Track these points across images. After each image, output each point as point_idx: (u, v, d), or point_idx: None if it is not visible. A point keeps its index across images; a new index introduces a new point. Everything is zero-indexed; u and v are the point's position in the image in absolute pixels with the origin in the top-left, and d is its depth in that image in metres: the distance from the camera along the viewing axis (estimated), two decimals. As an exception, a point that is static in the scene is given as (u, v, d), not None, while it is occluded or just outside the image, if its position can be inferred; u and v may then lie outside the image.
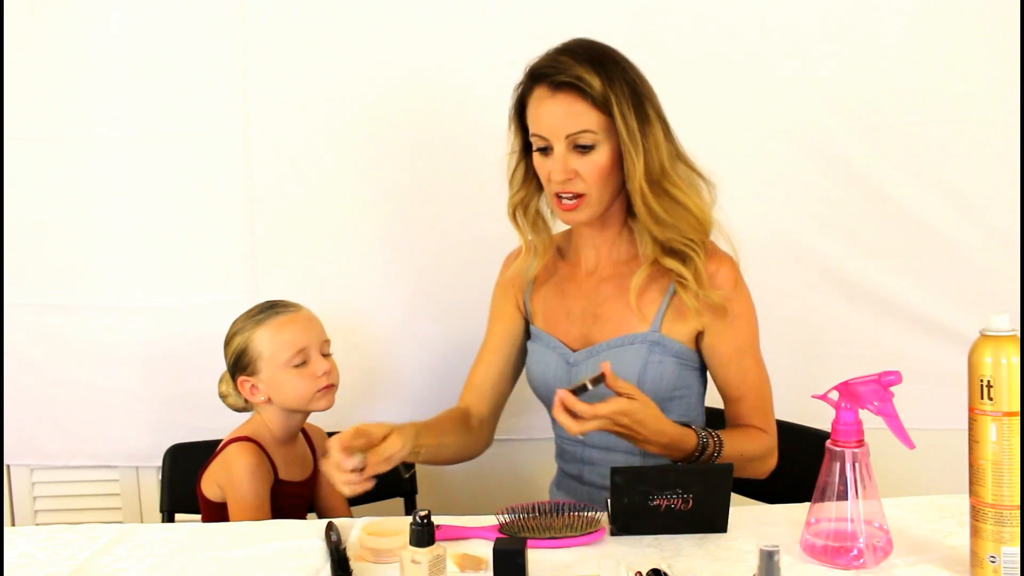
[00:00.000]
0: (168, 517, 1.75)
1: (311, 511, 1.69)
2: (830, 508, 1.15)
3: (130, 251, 2.06)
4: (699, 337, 1.47)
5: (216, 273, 2.06)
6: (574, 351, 1.50)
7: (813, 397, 1.19)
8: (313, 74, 2.00)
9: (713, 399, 1.53)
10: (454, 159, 2.01)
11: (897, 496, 1.33)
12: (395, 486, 1.81)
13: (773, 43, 1.96)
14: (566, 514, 1.27)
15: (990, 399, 1.06)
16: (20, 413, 2.09)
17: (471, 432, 1.55)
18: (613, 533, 1.27)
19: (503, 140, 1.49)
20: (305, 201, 2.04)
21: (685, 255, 1.41)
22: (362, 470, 1.24)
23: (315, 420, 1.71)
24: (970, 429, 1.08)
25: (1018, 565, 1.06)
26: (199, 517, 1.63)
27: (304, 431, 1.71)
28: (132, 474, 2.15)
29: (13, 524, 2.16)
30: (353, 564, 1.19)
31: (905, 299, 2.02)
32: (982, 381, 1.06)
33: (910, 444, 1.13)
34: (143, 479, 2.15)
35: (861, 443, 1.14)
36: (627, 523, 1.26)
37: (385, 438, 1.27)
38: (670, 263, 1.42)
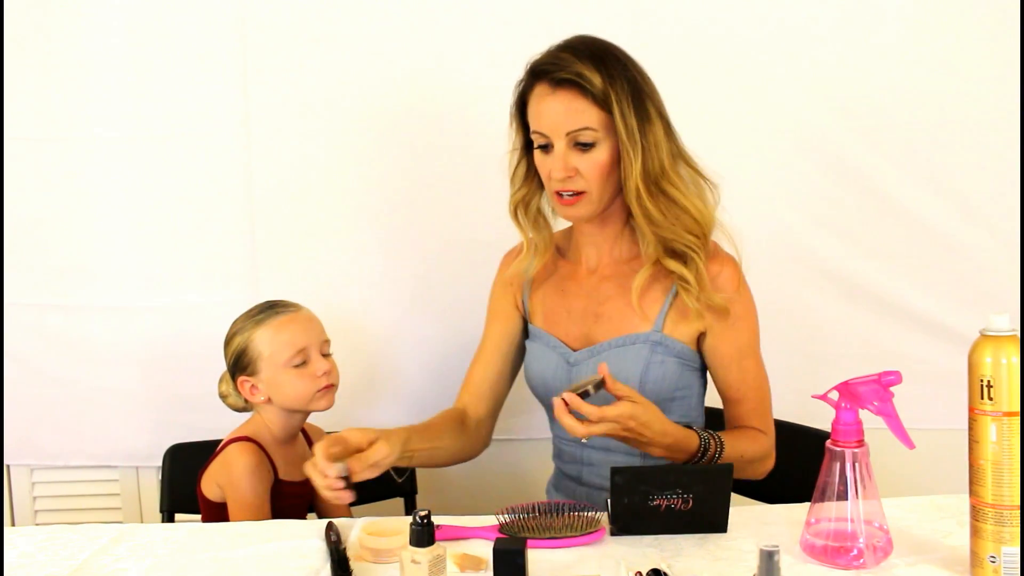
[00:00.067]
0: (168, 517, 1.75)
1: (311, 511, 1.69)
2: (830, 508, 1.15)
3: (130, 251, 2.06)
4: (701, 338, 1.47)
5: (216, 273, 2.06)
6: (574, 350, 1.50)
7: (813, 397, 1.19)
8: (313, 74, 2.00)
9: (712, 399, 1.53)
10: (454, 159, 2.01)
11: (897, 496, 1.33)
12: (395, 486, 1.81)
13: (773, 43, 1.96)
14: (566, 514, 1.27)
15: (990, 399, 1.06)
16: (20, 413, 2.09)
17: (467, 434, 1.54)
18: (613, 533, 1.27)
19: (503, 140, 1.49)
20: (305, 201, 2.04)
21: (686, 256, 1.41)
22: (347, 477, 1.24)
23: (315, 420, 1.71)
24: (970, 429, 1.08)
25: (1018, 565, 1.06)
26: (199, 517, 1.63)
27: (304, 431, 1.71)
28: (132, 474, 2.15)
29: (13, 524, 2.16)
30: (353, 564, 1.19)
31: (905, 299, 2.02)
32: (982, 381, 1.06)
33: (910, 444, 1.13)
34: (143, 479, 2.15)
35: (861, 443, 1.14)
36: (627, 523, 1.26)
37: (371, 444, 1.27)
38: (672, 264, 1.42)
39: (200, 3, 1.98)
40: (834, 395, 1.16)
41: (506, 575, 1.09)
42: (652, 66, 1.42)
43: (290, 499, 1.60)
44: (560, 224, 1.55)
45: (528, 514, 1.28)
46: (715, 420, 1.54)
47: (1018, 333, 1.06)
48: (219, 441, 1.64)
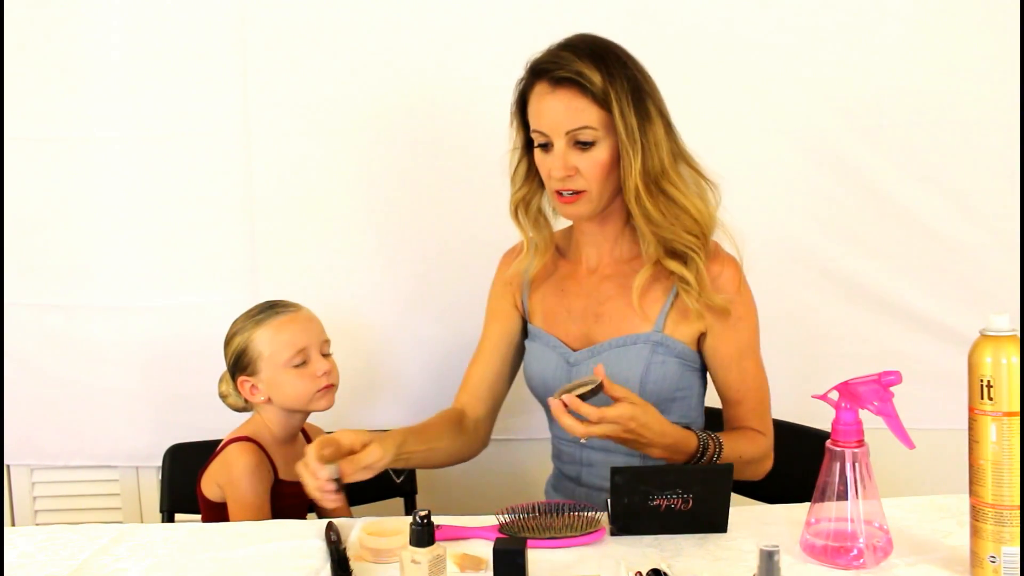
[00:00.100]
0: (168, 517, 1.75)
1: (311, 511, 1.69)
2: (830, 508, 1.15)
3: (130, 251, 2.06)
4: (701, 338, 1.47)
5: (216, 273, 2.05)
6: (574, 350, 1.50)
7: (813, 397, 1.19)
8: (313, 74, 2.00)
9: (712, 400, 1.53)
10: (454, 159, 2.01)
11: (897, 496, 1.33)
12: (395, 486, 1.81)
13: (773, 43, 1.96)
14: (566, 514, 1.27)
15: (990, 399, 1.06)
16: (20, 413, 2.09)
17: (465, 434, 1.54)
18: (613, 533, 1.27)
19: (503, 140, 1.49)
20: (305, 201, 2.04)
21: (686, 257, 1.41)
22: (338, 480, 1.24)
23: (315, 420, 1.71)
24: (970, 429, 1.08)
25: (1018, 565, 1.06)
26: (199, 517, 1.63)
27: (304, 431, 1.71)
28: (132, 474, 2.15)
29: (13, 524, 2.16)
30: (353, 564, 1.19)
31: (905, 299, 2.02)
32: (982, 381, 1.06)
33: (910, 444, 1.13)
34: (143, 479, 2.15)
35: (861, 443, 1.14)
36: (627, 523, 1.26)
37: (364, 446, 1.27)
38: (672, 265, 1.41)
39: (200, 3, 1.98)
40: (834, 395, 1.16)
41: (506, 575, 1.09)
42: (652, 66, 1.42)
43: (290, 499, 1.60)
44: (560, 223, 1.55)
45: (528, 514, 1.28)
46: (715, 420, 1.54)
47: (1018, 333, 1.06)
48: (219, 441, 1.64)
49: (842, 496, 1.14)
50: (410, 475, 1.83)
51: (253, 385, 1.61)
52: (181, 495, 1.72)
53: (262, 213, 2.03)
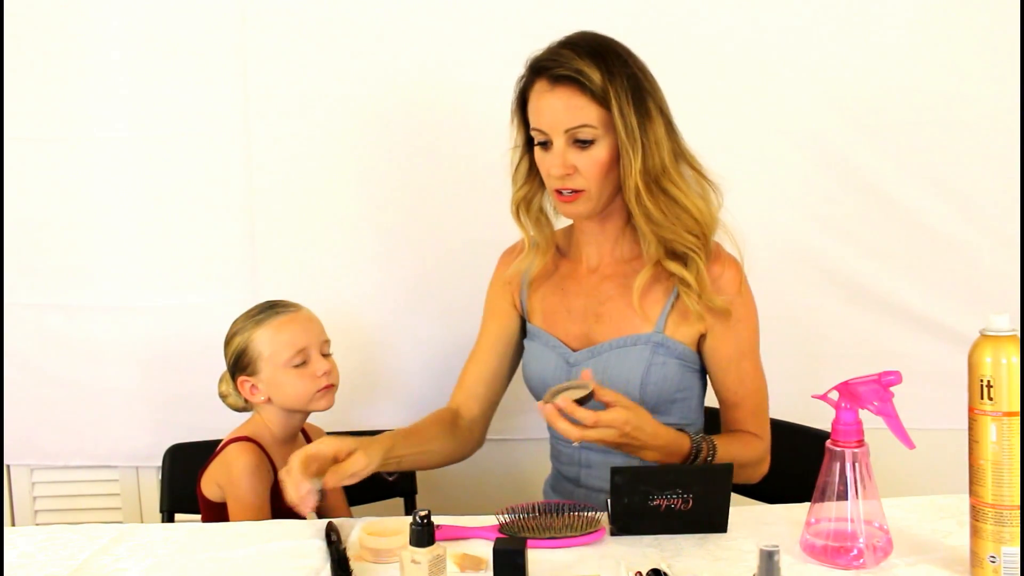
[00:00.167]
0: (168, 517, 1.75)
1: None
2: (830, 508, 1.15)
3: (130, 251, 2.06)
4: (701, 339, 1.46)
5: (216, 273, 2.05)
6: (574, 350, 1.49)
7: (813, 397, 1.19)
8: (313, 74, 2.00)
9: (712, 400, 1.53)
10: (455, 159, 2.01)
11: (897, 496, 1.33)
12: (393, 486, 1.81)
13: (773, 43, 1.96)
14: (566, 514, 1.27)
15: (990, 399, 1.06)
16: (20, 413, 2.09)
17: (459, 435, 1.53)
18: (613, 533, 1.27)
19: (503, 140, 1.49)
20: (305, 201, 2.04)
21: (687, 258, 1.40)
22: (321, 490, 1.26)
23: (315, 420, 1.71)
24: (970, 429, 1.08)
25: (1018, 565, 1.06)
26: (199, 517, 1.63)
27: (304, 431, 1.71)
28: (132, 474, 2.15)
29: (13, 524, 2.16)
30: (353, 564, 1.19)
31: (905, 299, 2.02)
32: (982, 381, 1.06)
33: (910, 444, 1.13)
34: (143, 479, 2.15)
35: (861, 443, 1.14)
36: (627, 523, 1.26)
37: (349, 455, 1.28)
38: (672, 266, 1.41)
39: (200, 3, 1.98)
40: (834, 395, 1.16)
41: (506, 575, 1.09)
42: (653, 66, 1.42)
43: (290, 499, 1.60)
44: (562, 222, 1.54)
45: (528, 514, 1.28)
46: (715, 420, 1.54)
47: (1018, 333, 1.06)
48: (219, 441, 1.64)
49: (842, 496, 1.14)
50: (410, 475, 1.83)
51: (253, 385, 1.61)
52: (181, 495, 1.72)
53: (262, 213, 2.03)
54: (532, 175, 1.48)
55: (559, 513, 1.27)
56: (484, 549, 1.19)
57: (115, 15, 1.99)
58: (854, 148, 1.99)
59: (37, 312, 2.08)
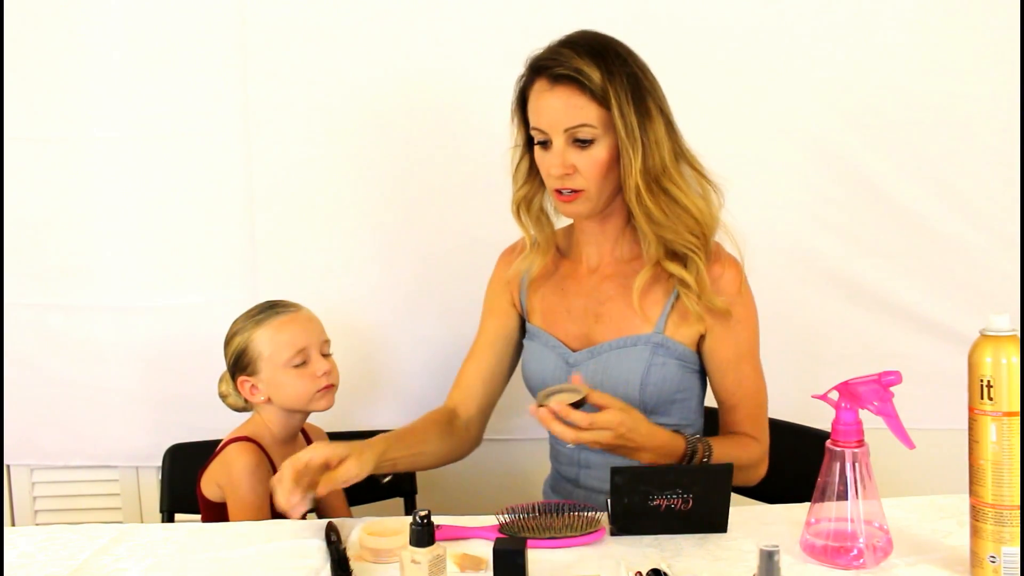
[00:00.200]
0: (168, 517, 1.75)
1: (311, 511, 1.69)
2: (830, 508, 1.15)
3: (130, 251, 2.06)
4: (701, 340, 1.46)
5: (216, 273, 2.05)
6: (574, 351, 1.49)
7: (813, 397, 1.19)
8: (313, 74, 2.00)
9: (712, 400, 1.53)
10: (455, 158, 2.01)
11: (897, 496, 1.33)
12: (395, 486, 1.81)
13: (773, 43, 1.96)
14: (566, 514, 1.27)
15: (990, 399, 1.06)
16: (20, 413, 2.09)
17: (454, 435, 1.53)
18: (613, 533, 1.27)
19: (503, 140, 1.49)
20: (305, 201, 2.04)
21: (687, 258, 1.40)
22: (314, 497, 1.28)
23: (315, 420, 1.71)
24: (970, 429, 1.08)
25: (1018, 565, 1.06)
26: (199, 517, 1.63)
27: (304, 431, 1.71)
28: (132, 474, 2.15)
29: (13, 524, 2.16)
30: (353, 564, 1.19)
31: (905, 299, 2.02)
32: (982, 381, 1.06)
33: (910, 444, 1.13)
34: (143, 479, 2.15)
35: (861, 443, 1.14)
36: (627, 523, 1.26)
37: (341, 462, 1.28)
38: (672, 267, 1.40)
39: (200, 3, 1.98)
40: (834, 395, 1.16)
41: (506, 575, 1.09)
42: (653, 66, 1.42)
43: (290, 499, 1.60)
44: (562, 222, 1.54)
45: (528, 514, 1.28)
46: (715, 421, 1.53)
47: (1018, 333, 1.06)
48: (219, 441, 1.64)
49: (842, 496, 1.14)
50: (410, 475, 1.83)
51: (253, 385, 1.61)
52: (181, 495, 1.72)
53: (262, 213, 2.03)
54: (532, 174, 1.47)
55: (559, 513, 1.28)
56: (484, 549, 1.19)
57: (115, 15, 1.99)
58: (854, 148, 1.99)
59: (37, 312, 2.08)
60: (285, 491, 1.25)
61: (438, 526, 1.17)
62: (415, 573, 1.08)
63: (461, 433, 1.54)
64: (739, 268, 1.44)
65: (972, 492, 1.09)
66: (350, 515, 1.65)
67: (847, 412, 1.14)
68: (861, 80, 1.96)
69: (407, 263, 2.05)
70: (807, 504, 1.19)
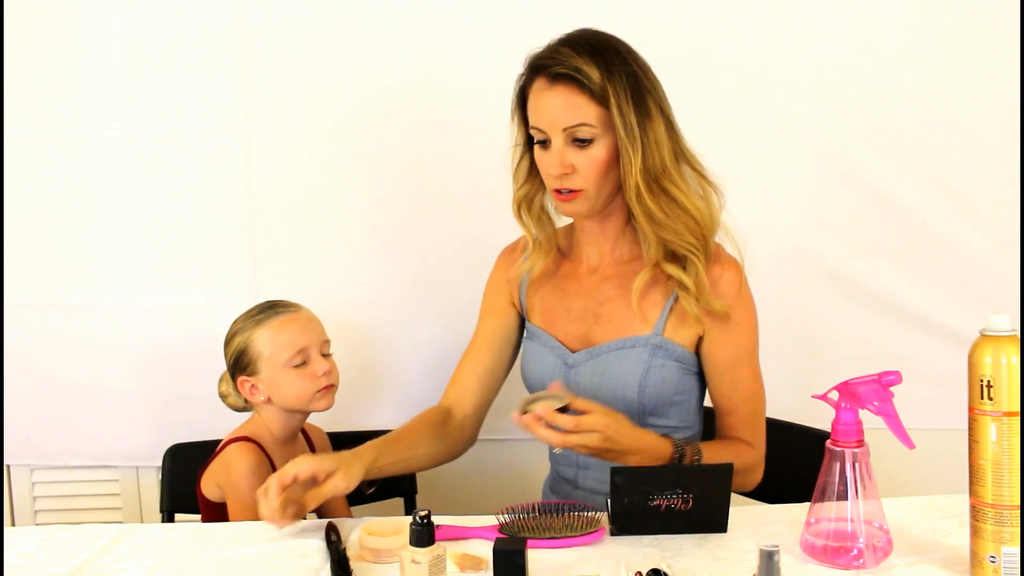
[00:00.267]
0: (168, 517, 1.75)
1: (311, 511, 1.69)
2: (830, 508, 1.15)
3: (130, 251, 2.06)
4: (700, 342, 1.45)
5: (216, 273, 2.06)
6: (573, 351, 1.49)
7: (813, 397, 1.19)
8: (313, 74, 2.00)
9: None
10: (454, 159, 2.01)
11: (897, 496, 1.33)
12: (395, 486, 1.81)
13: (773, 44, 1.96)
14: (566, 514, 1.27)
15: (990, 399, 1.06)
16: (20, 413, 2.09)
17: (448, 435, 1.52)
18: (613, 533, 1.27)
19: (503, 140, 1.48)
20: (305, 201, 2.04)
21: (686, 260, 1.39)
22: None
23: (315, 420, 1.71)
24: (970, 429, 1.08)
25: (1018, 565, 1.06)
26: (199, 517, 1.63)
27: (304, 431, 1.71)
28: (132, 474, 2.15)
29: (13, 524, 2.16)
30: (353, 564, 1.19)
31: (905, 299, 2.02)
32: (982, 381, 1.06)
33: (910, 444, 1.13)
34: (143, 479, 2.15)
35: (861, 443, 1.14)
36: (627, 523, 1.26)
37: (328, 477, 1.29)
38: (671, 269, 1.39)
39: (200, 3, 1.98)
40: (834, 395, 1.15)
41: (506, 575, 1.09)
42: (653, 65, 1.41)
43: (290, 499, 1.60)
44: (563, 221, 1.54)
45: (528, 514, 1.28)
46: (714, 423, 1.53)
47: (1018, 333, 1.06)
48: (219, 441, 1.64)
49: (842, 496, 1.14)
50: (410, 475, 1.83)
51: (253, 385, 1.61)
52: (181, 495, 1.72)
53: (262, 213, 2.03)
54: (533, 174, 1.46)
55: (559, 513, 1.27)
56: (484, 549, 1.19)
57: (115, 15, 1.99)
58: (854, 148, 1.99)
59: (37, 312, 2.08)
60: (269, 506, 1.26)
61: (438, 526, 1.17)
62: (415, 573, 1.08)
63: (455, 433, 1.54)
64: (739, 269, 1.43)
65: (972, 492, 1.09)
66: (350, 515, 1.65)
67: (847, 412, 1.14)
68: (861, 80, 1.96)
69: (407, 263, 2.05)
70: (807, 504, 1.19)
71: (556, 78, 1.34)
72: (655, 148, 1.35)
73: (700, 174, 1.41)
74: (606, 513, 1.29)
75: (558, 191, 1.40)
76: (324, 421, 1.74)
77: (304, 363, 1.60)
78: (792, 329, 2.01)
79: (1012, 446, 1.05)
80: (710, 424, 1.53)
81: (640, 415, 1.44)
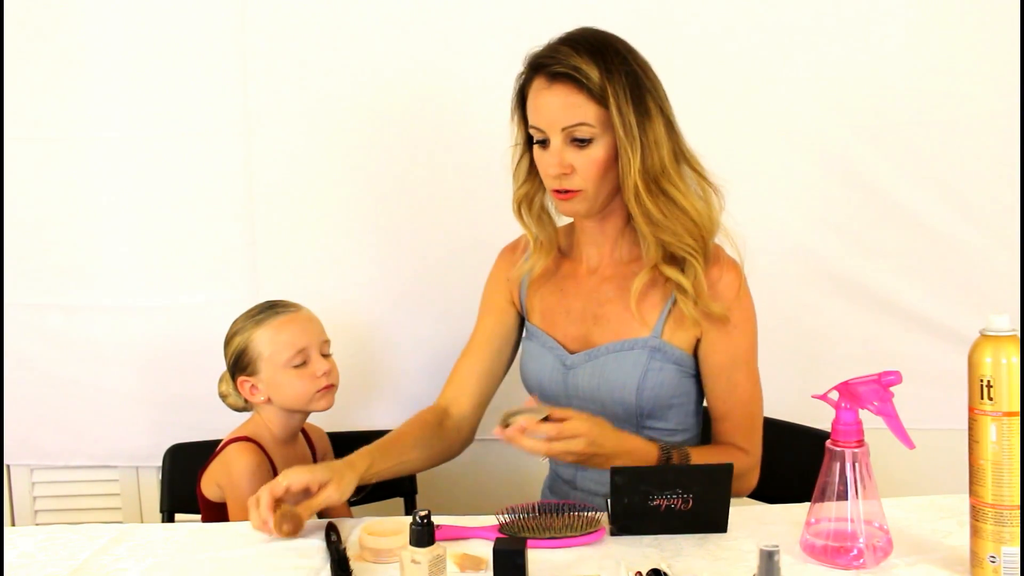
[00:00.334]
0: (168, 517, 1.75)
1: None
2: (830, 508, 1.15)
3: (130, 251, 2.06)
4: (697, 344, 1.44)
5: (216, 273, 2.06)
6: (572, 352, 1.48)
7: (813, 397, 1.19)
8: (313, 74, 2.00)
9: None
10: (455, 158, 2.01)
11: (897, 496, 1.33)
12: (395, 486, 1.81)
13: (772, 44, 1.97)
14: (566, 514, 1.27)
15: (990, 399, 1.06)
16: (20, 413, 2.09)
17: (444, 436, 1.52)
18: (613, 533, 1.27)
19: (503, 140, 1.48)
20: (305, 201, 2.04)
21: (685, 262, 1.38)
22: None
23: (315, 420, 1.71)
24: (970, 429, 1.08)
25: (1018, 565, 1.06)
26: (199, 517, 1.63)
27: (304, 431, 1.71)
28: (132, 474, 2.15)
29: (13, 524, 2.16)
30: (353, 564, 1.19)
31: (905, 299, 2.02)
32: (982, 381, 1.06)
33: (910, 444, 1.13)
34: (143, 479, 2.15)
35: (861, 443, 1.14)
36: (627, 523, 1.26)
37: (321, 488, 1.29)
38: (669, 271, 1.39)
39: (200, 3, 1.98)
40: (834, 395, 1.15)
41: (506, 575, 1.09)
42: (652, 66, 1.41)
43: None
44: (564, 220, 1.54)
45: (528, 514, 1.28)
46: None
47: (1018, 333, 1.06)
48: (219, 441, 1.64)
49: (842, 496, 1.14)
50: (410, 475, 1.83)
51: (253, 385, 1.61)
52: (181, 495, 1.72)
53: (262, 213, 2.04)
54: (533, 173, 1.45)
55: (559, 513, 1.27)
56: (484, 549, 1.19)
57: (115, 15, 1.99)
58: (854, 148, 1.99)
59: (37, 312, 2.08)
60: (260, 516, 1.27)
61: (438, 526, 1.17)
62: (415, 573, 1.08)
63: (452, 433, 1.53)
64: (738, 271, 1.42)
65: (972, 492, 1.09)
66: (350, 515, 1.65)
67: (847, 412, 1.14)
68: (861, 80, 1.96)
69: (407, 263, 2.05)
70: (807, 504, 1.19)
71: (555, 77, 1.34)
72: (654, 148, 1.34)
73: (700, 175, 1.40)
74: (606, 513, 1.29)
75: (557, 191, 1.39)
76: (324, 421, 1.74)
77: (304, 363, 1.60)
78: (792, 329, 2.01)
79: (1012, 446, 1.05)
80: (709, 427, 1.53)
81: (638, 417, 1.43)
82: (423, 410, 1.55)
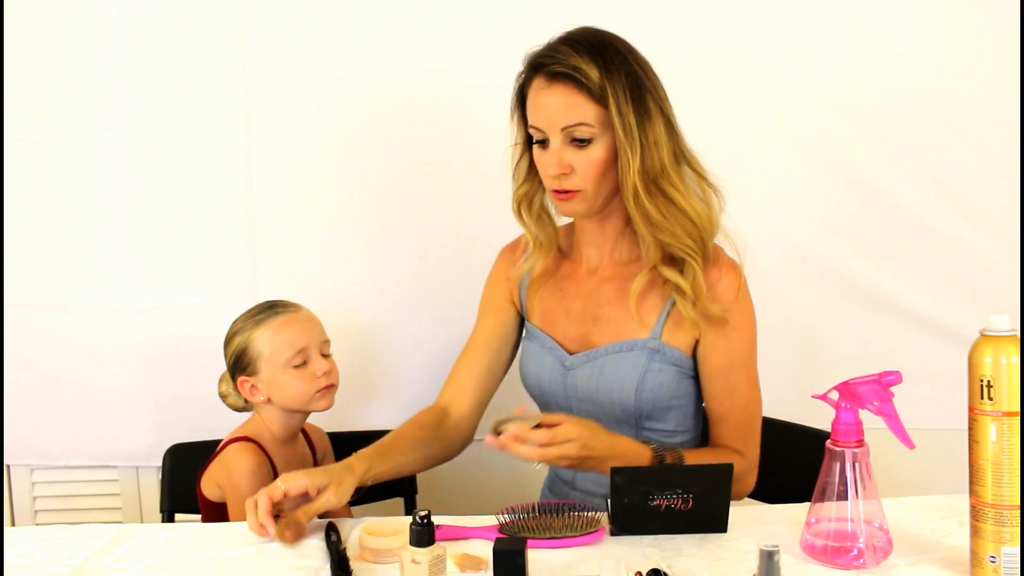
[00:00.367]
0: (168, 517, 1.75)
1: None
2: (830, 508, 1.15)
3: (130, 251, 2.06)
4: (696, 345, 1.43)
5: (216, 273, 2.06)
6: (571, 353, 1.48)
7: (813, 397, 1.19)
8: (313, 74, 2.00)
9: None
10: (454, 158, 2.01)
11: (897, 496, 1.33)
12: (395, 486, 1.81)
13: (772, 44, 1.97)
14: (566, 514, 1.27)
15: (990, 399, 1.06)
16: (20, 413, 2.09)
17: (443, 437, 1.51)
18: (613, 533, 1.27)
19: (503, 140, 1.48)
20: (305, 201, 2.04)
21: (684, 263, 1.37)
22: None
23: (315, 420, 1.71)
24: (970, 429, 1.08)
25: (1018, 565, 1.06)
26: (199, 517, 1.63)
27: (304, 431, 1.71)
28: (132, 474, 2.15)
29: (13, 524, 2.16)
30: (353, 564, 1.19)
31: (905, 299, 2.02)
32: (982, 381, 1.06)
33: (910, 444, 1.13)
34: (143, 479, 2.15)
35: (861, 443, 1.14)
36: (627, 523, 1.26)
37: (320, 493, 1.29)
38: (668, 273, 1.38)
39: (200, 3, 1.98)
40: (834, 395, 1.15)
41: (506, 575, 1.09)
42: (654, 66, 1.41)
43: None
44: (564, 220, 1.54)
45: (528, 514, 1.28)
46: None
47: (1018, 333, 1.06)
48: (219, 441, 1.64)
49: (842, 496, 1.14)
50: (410, 475, 1.83)
51: (253, 385, 1.61)
52: (181, 495, 1.72)
53: (262, 213, 2.03)
54: (532, 173, 1.45)
55: (559, 513, 1.27)
56: (484, 549, 1.19)
57: (115, 15, 1.99)
58: (854, 148, 1.99)
59: (37, 312, 2.08)
60: (257, 520, 1.27)
61: (438, 526, 1.17)
62: (415, 573, 1.08)
63: (451, 433, 1.53)
64: (738, 272, 1.41)
65: (972, 492, 1.09)
66: (350, 515, 1.65)
67: (847, 412, 1.14)
68: (862, 80, 1.96)
69: (407, 263, 2.05)
70: (807, 504, 1.19)
71: (555, 77, 1.33)
72: (654, 149, 1.33)
73: (700, 175, 1.39)
74: (606, 513, 1.29)
75: (556, 191, 1.39)
76: (324, 421, 1.74)
77: (304, 363, 1.60)
78: (792, 329, 2.01)
79: (1012, 446, 1.05)
80: (708, 428, 1.53)
81: (637, 418, 1.43)
82: (422, 410, 1.54)
